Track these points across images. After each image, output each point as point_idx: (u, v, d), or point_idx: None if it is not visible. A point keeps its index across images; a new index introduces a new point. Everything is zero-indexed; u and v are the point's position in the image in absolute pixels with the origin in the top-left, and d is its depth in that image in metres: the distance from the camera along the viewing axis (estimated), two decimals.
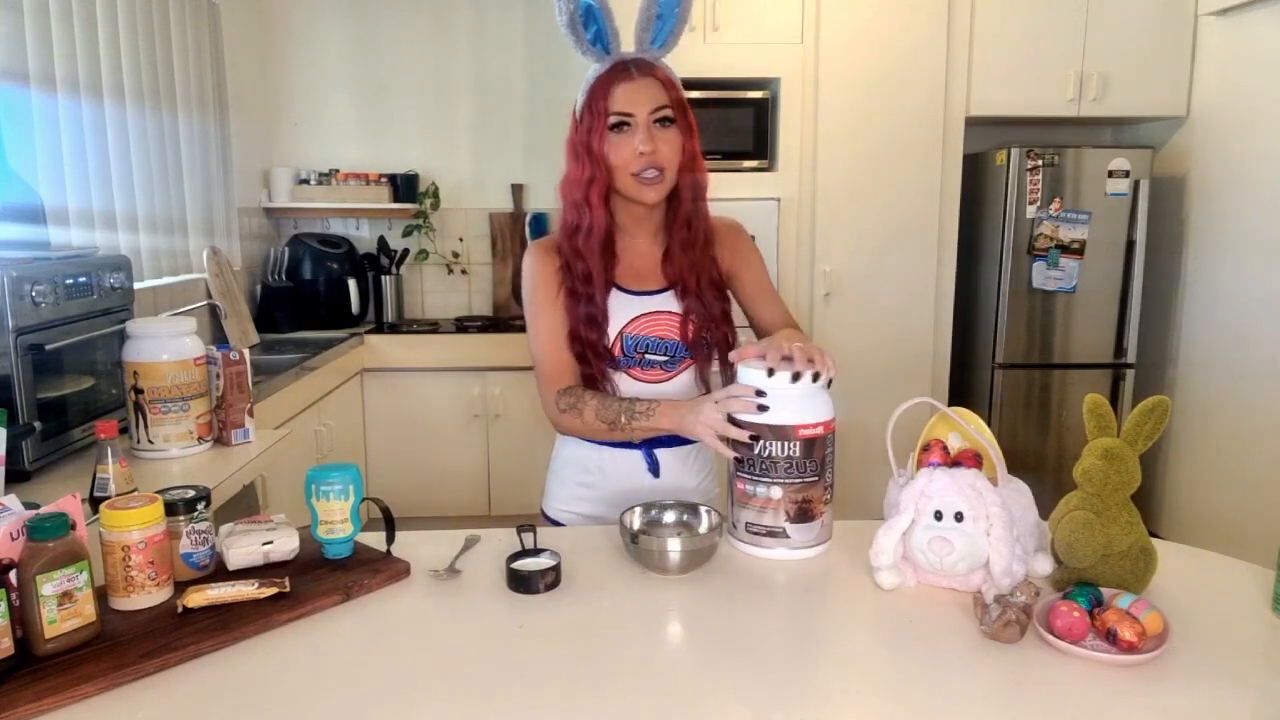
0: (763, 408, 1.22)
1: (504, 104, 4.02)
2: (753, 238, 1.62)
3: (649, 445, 1.48)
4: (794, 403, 1.22)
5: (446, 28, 3.96)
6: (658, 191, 1.39)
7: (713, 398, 1.28)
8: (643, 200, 1.40)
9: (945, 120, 3.41)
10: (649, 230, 1.48)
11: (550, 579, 1.15)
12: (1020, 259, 3.46)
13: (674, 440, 1.49)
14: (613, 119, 1.36)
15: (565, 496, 1.54)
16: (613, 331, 1.44)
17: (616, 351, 1.45)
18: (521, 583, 1.14)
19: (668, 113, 1.37)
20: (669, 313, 1.46)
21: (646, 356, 1.46)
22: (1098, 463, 1.08)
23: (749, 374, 1.25)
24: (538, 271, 1.46)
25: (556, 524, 1.53)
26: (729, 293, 1.55)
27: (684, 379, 1.50)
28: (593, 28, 1.37)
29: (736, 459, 1.24)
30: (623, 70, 1.36)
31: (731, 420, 1.24)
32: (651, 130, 1.36)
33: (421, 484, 3.70)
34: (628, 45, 1.40)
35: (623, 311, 1.45)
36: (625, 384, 1.47)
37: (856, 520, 1.33)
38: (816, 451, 1.22)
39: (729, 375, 1.48)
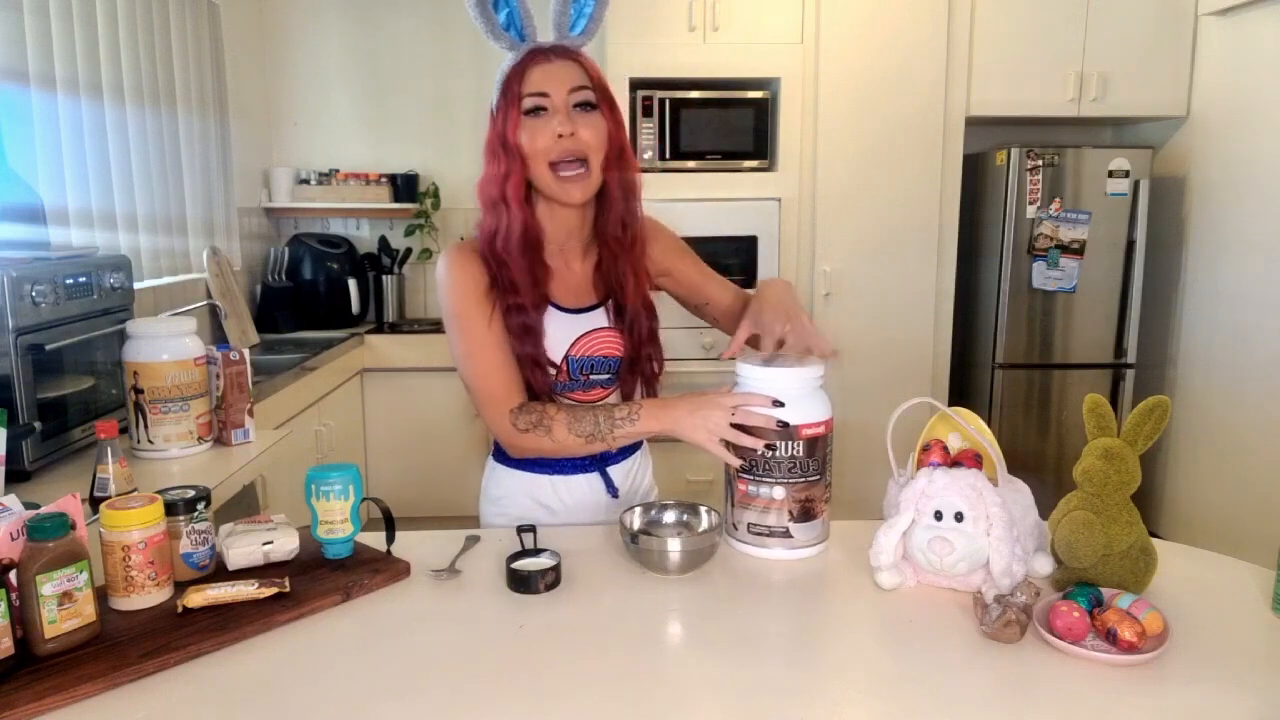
0: (782, 423, 1.17)
1: None
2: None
3: (603, 467, 1.43)
4: (796, 403, 1.22)
5: (446, 28, 3.96)
6: (582, 189, 1.26)
7: (721, 403, 1.21)
8: (566, 199, 1.27)
9: (945, 120, 3.41)
10: (580, 241, 1.36)
11: (550, 579, 1.15)
12: (1020, 259, 3.46)
13: (622, 455, 1.45)
14: (527, 102, 1.23)
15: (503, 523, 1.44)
16: (558, 354, 1.33)
17: (563, 376, 1.34)
18: (521, 583, 1.14)
19: (588, 95, 1.25)
20: (607, 329, 1.37)
21: (591, 377, 1.37)
22: (1098, 463, 1.08)
23: (753, 375, 1.24)
24: (466, 278, 1.28)
25: None
26: (665, 293, 1.48)
27: (619, 392, 1.43)
28: (504, 10, 1.27)
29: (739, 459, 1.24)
30: (539, 54, 1.26)
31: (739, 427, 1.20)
32: (571, 114, 1.23)
33: (421, 484, 3.69)
34: (545, 36, 1.31)
35: (565, 332, 1.34)
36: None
37: (856, 520, 1.33)
38: (818, 450, 1.22)
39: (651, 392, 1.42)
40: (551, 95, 1.24)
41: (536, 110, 1.24)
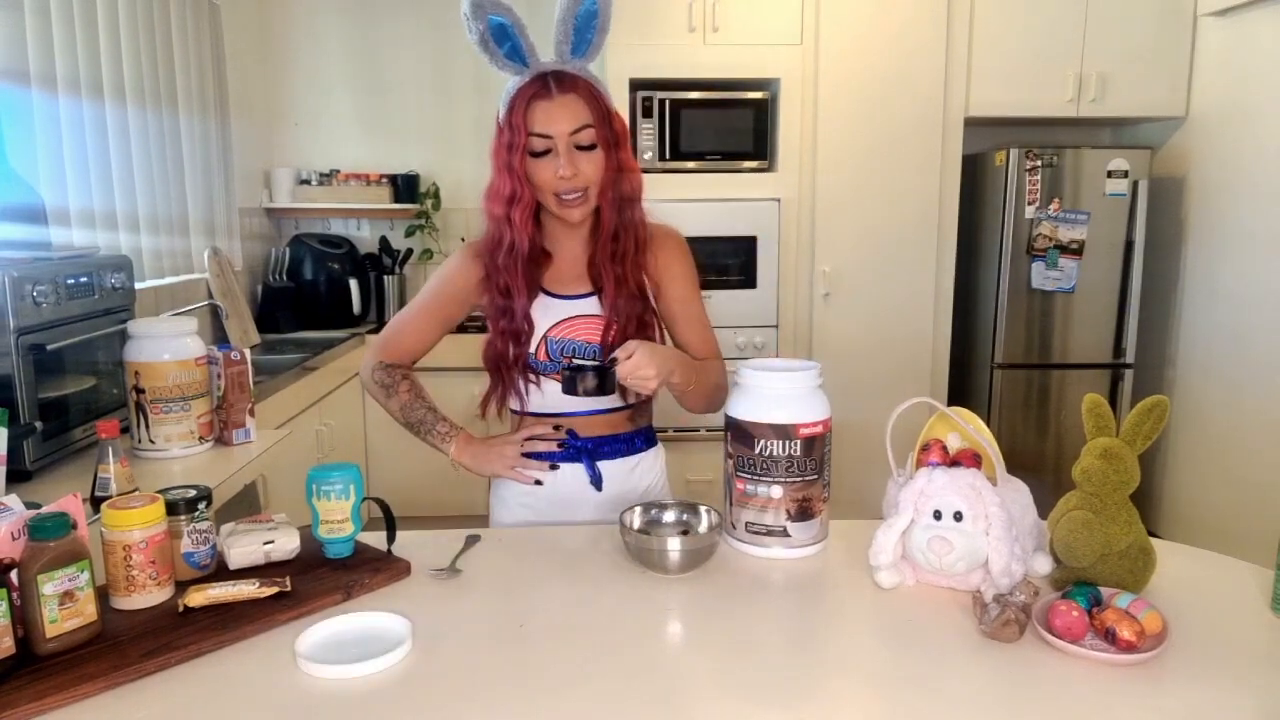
0: (561, 444, 1.40)
1: None
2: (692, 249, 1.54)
3: (589, 458, 1.47)
4: (793, 402, 1.22)
5: (446, 28, 3.96)
6: (581, 211, 1.38)
7: (513, 439, 1.46)
8: (567, 219, 1.39)
9: (944, 120, 3.41)
10: (579, 236, 1.46)
11: (591, 383, 1.27)
12: (1019, 259, 3.46)
13: (616, 452, 1.49)
14: (534, 143, 1.33)
15: (508, 519, 1.53)
16: (537, 334, 1.42)
17: (541, 355, 1.43)
18: (571, 383, 1.28)
19: (588, 135, 1.33)
20: (593, 316, 1.44)
21: (575, 361, 1.41)
22: (1096, 462, 1.08)
23: (752, 375, 1.25)
24: (453, 270, 1.49)
25: None
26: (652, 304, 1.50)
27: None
28: (507, 44, 1.33)
29: (736, 459, 1.24)
30: (542, 86, 1.32)
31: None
32: (572, 154, 1.33)
33: (422, 484, 3.69)
34: (548, 55, 1.36)
35: (547, 316, 1.43)
36: (553, 391, 1.42)
37: (855, 520, 1.33)
38: (815, 450, 1.22)
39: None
40: (554, 138, 1.32)
41: (543, 152, 1.34)
